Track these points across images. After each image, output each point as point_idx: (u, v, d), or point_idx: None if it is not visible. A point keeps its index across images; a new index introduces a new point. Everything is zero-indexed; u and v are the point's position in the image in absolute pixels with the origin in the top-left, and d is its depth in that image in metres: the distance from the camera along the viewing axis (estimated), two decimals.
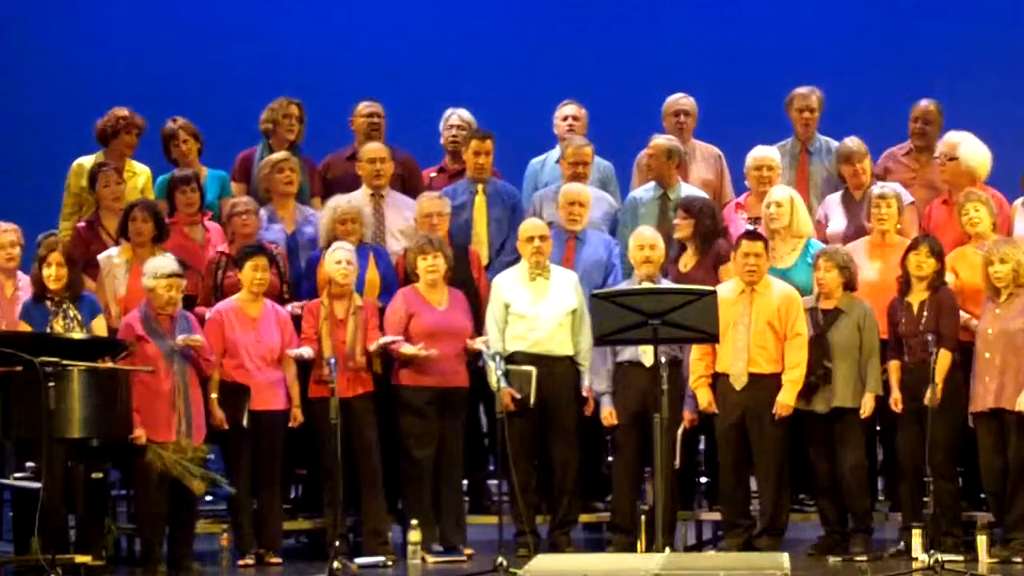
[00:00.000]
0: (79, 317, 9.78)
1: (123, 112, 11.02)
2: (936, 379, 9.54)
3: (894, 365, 9.86)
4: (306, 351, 10.03)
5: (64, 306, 9.76)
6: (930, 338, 9.57)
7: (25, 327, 9.74)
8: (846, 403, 9.85)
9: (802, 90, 11.16)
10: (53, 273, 9.74)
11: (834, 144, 11.09)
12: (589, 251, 10.57)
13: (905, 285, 9.91)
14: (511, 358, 10.08)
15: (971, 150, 10.49)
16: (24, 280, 10.07)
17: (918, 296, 9.86)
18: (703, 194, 10.74)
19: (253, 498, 10.07)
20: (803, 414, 9.91)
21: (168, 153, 11.07)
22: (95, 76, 13.35)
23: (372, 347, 10.10)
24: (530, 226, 10.37)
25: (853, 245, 10.31)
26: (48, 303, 9.76)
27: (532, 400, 10.10)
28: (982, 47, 13.44)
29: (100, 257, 10.34)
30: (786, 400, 9.86)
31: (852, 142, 10.72)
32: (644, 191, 10.91)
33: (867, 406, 9.83)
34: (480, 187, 10.90)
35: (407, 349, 10.09)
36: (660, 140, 10.91)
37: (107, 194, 10.67)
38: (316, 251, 10.48)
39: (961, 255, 10.09)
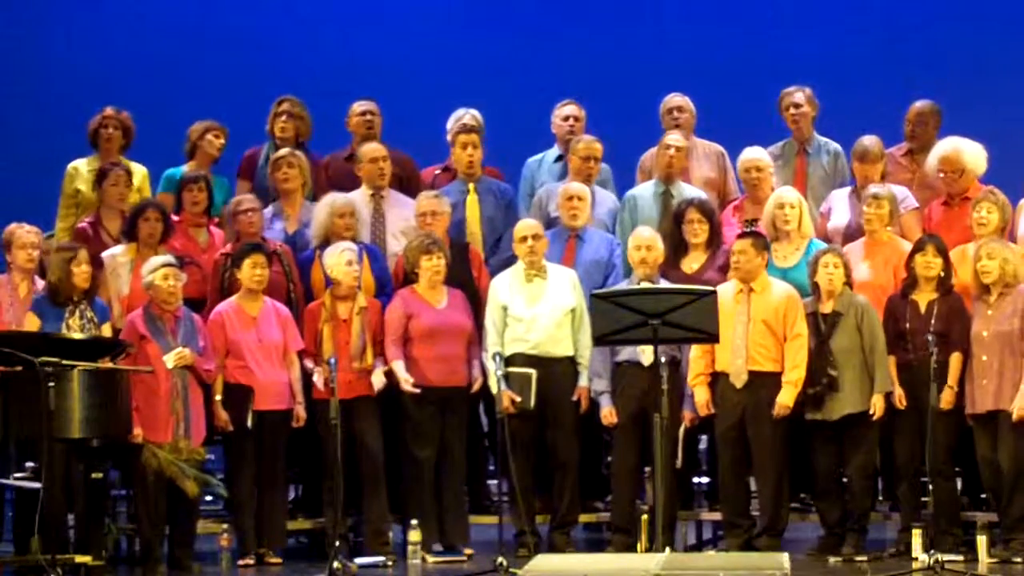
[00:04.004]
0: (95, 319, 9.81)
1: (108, 111, 11.06)
2: (950, 381, 9.64)
3: (891, 361, 9.85)
4: (320, 382, 10.02)
5: (82, 306, 9.79)
6: (930, 338, 9.59)
7: (34, 319, 9.77)
8: (856, 408, 9.82)
9: (789, 88, 11.17)
10: (85, 271, 9.78)
11: (833, 145, 11.10)
12: (590, 250, 10.56)
13: (910, 286, 9.91)
14: (510, 360, 10.08)
15: (973, 155, 10.46)
16: (40, 283, 10.09)
17: (926, 296, 9.86)
18: (702, 194, 10.74)
19: (256, 498, 10.06)
20: (812, 423, 9.89)
21: (195, 141, 11.09)
22: (96, 77, 13.36)
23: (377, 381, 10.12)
24: (524, 226, 10.35)
25: (852, 245, 10.32)
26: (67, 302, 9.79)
27: (532, 403, 10.09)
28: (982, 48, 13.44)
29: (104, 255, 10.35)
30: (785, 401, 9.84)
31: (869, 141, 10.66)
32: (644, 188, 10.89)
33: (878, 407, 9.82)
34: (472, 185, 10.90)
35: (401, 375, 10.10)
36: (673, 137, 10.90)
37: (114, 193, 10.67)
38: (308, 251, 10.48)
39: (962, 255, 10.08)
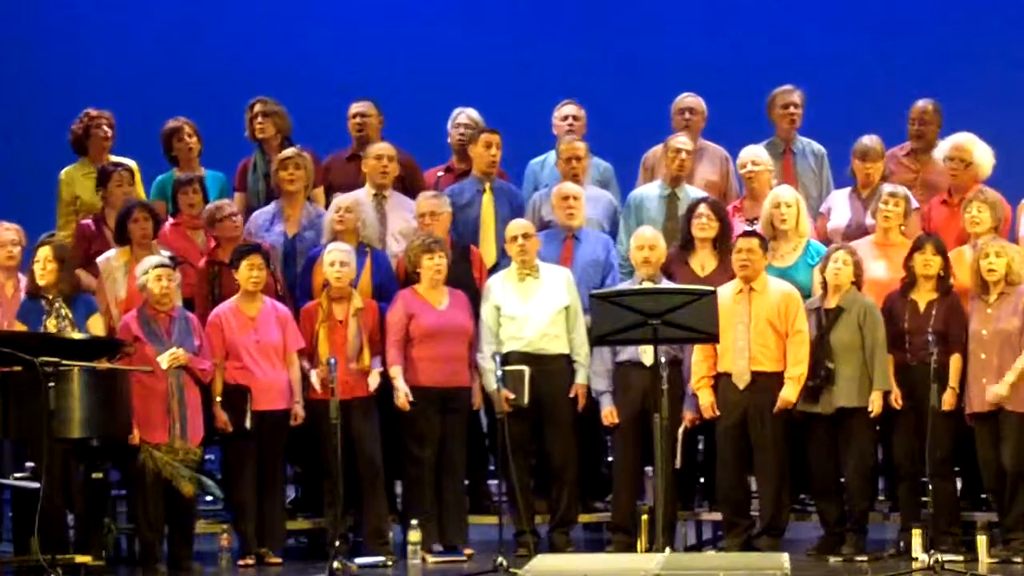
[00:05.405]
0: (71, 316, 9.75)
1: (92, 112, 11.04)
2: (951, 383, 9.65)
3: (889, 360, 9.85)
4: (316, 383, 10.03)
5: (56, 305, 9.76)
6: (930, 338, 9.58)
7: (20, 326, 9.75)
8: (851, 403, 9.82)
9: (784, 88, 11.16)
10: (41, 269, 9.74)
11: (815, 145, 11.12)
12: (587, 250, 10.55)
13: (910, 284, 9.91)
14: (505, 358, 10.07)
15: (983, 153, 10.47)
16: (25, 280, 10.07)
17: (925, 295, 9.86)
18: (707, 195, 10.73)
19: (256, 498, 10.06)
20: (807, 416, 9.90)
21: (169, 150, 11.08)
22: (94, 78, 13.36)
23: (373, 382, 10.12)
24: (515, 226, 10.35)
25: (857, 243, 10.30)
26: (43, 301, 9.76)
27: (526, 400, 10.09)
28: (982, 47, 13.44)
29: (99, 260, 10.33)
30: (788, 397, 9.84)
31: (870, 140, 10.68)
32: (649, 189, 10.87)
33: (875, 404, 9.81)
34: (488, 185, 10.89)
35: (399, 387, 10.08)
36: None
37: (119, 194, 10.65)
38: (315, 249, 10.47)
39: (959, 256, 10.08)
